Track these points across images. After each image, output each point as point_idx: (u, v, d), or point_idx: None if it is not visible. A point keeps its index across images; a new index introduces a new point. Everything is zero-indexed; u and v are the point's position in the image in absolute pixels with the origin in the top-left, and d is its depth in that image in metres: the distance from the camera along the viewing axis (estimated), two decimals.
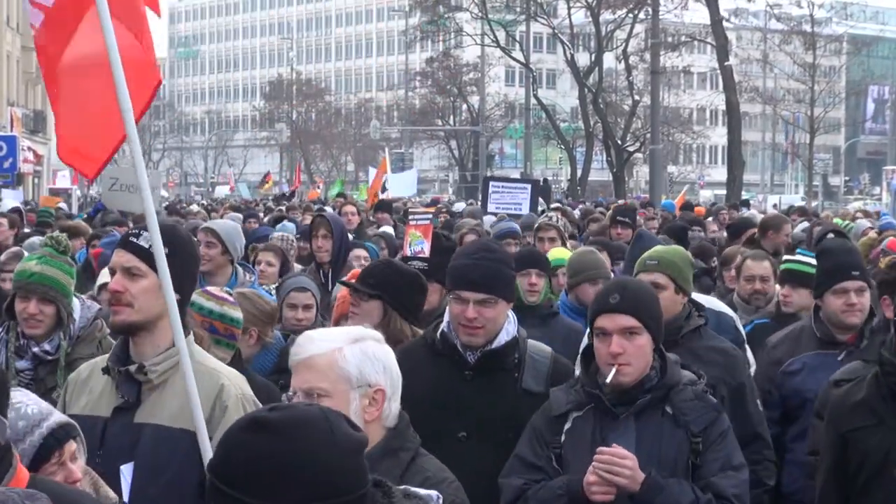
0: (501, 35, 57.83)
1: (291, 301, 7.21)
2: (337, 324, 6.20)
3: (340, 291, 6.53)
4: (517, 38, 60.50)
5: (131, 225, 14.96)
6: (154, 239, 4.20)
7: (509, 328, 4.98)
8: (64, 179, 46.82)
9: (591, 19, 56.36)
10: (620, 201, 35.20)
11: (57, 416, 3.60)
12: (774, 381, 6.30)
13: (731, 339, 6.29)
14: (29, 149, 50.54)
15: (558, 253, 8.84)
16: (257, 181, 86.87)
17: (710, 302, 6.74)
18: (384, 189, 26.09)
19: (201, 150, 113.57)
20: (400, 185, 29.41)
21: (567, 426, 4.55)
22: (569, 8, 57.04)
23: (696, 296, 6.40)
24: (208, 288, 5.89)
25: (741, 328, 6.90)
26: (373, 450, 3.29)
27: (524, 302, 7.08)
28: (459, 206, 28.72)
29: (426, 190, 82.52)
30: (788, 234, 11.52)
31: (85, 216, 19.58)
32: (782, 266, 7.70)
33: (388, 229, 14.66)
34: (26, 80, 60.59)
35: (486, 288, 4.84)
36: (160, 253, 4.18)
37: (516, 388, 4.95)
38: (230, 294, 5.71)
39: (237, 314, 5.61)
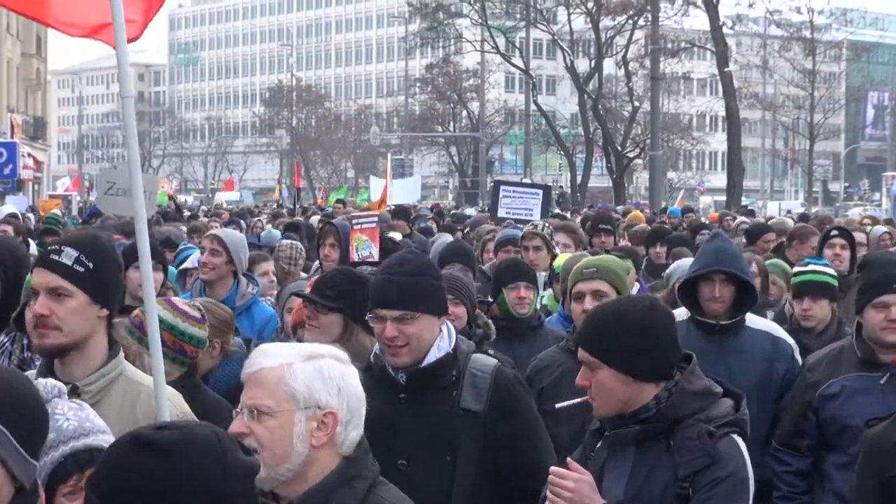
0: (501, 41, 57.90)
1: (290, 305, 6.94)
2: (294, 333, 6.00)
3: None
4: (517, 44, 60.54)
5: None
6: (142, 248, 4.14)
7: (442, 343, 4.59)
8: (65, 185, 46.88)
9: (590, 25, 56.42)
10: (619, 207, 35.20)
11: (90, 440, 3.41)
12: (811, 405, 5.79)
13: (785, 369, 5.96)
14: (29, 155, 50.57)
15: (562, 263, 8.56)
16: (257, 188, 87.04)
17: (767, 325, 6.27)
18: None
19: (201, 157, 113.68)
20: (403, 192, 29.30)
21: (598, 444, 4.25)
22: (569, 14, 57.09)
23: (753, 318, 6.10)
24: (173, 298, 5.60)
25: (798, 358, 6.23)
26: (326, 479, 3.20)
27: (514, 314, 7.02)
28: (471, 211, 27.69)
29: (426, 196, 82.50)
30: (815, 247, 11.06)
31: (79, 221, 19.47)
32: (795, 279, 7.29)
33: (397, 235, 14.17)
34: (26, 87, 60.62)
35: (401, 304, 4.49)
36: (147, 261, 4.18)
37: (454, 408, 4.58)
38: (200, 310, 5.33)
39: (193, 330, 5.21)
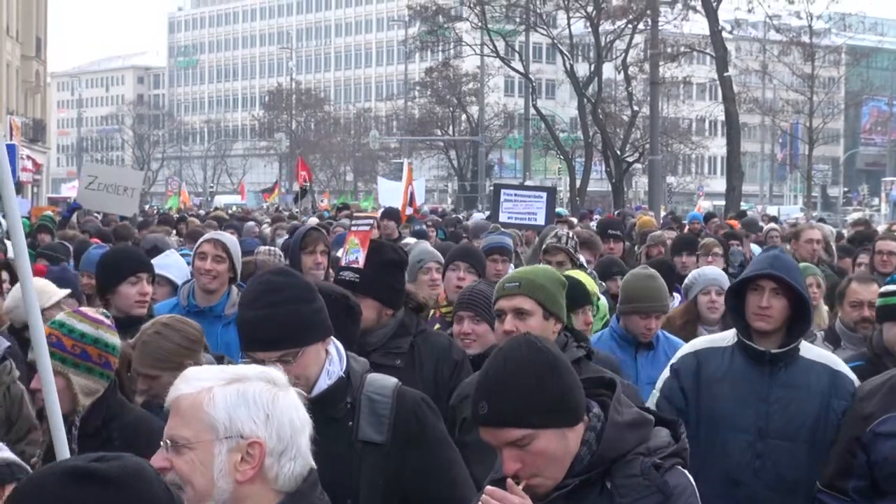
0: (501, 45, 57.88)
1: None
2: None
3: None
4: (517, 48, 60.55)
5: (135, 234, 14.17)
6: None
7: (331, 368, 3.99)
8: (71, 190, 46.82)
9: (590, 30, 56.41)
10: (616, 211, 35.20)
11: (5, 454, 3.36)
12: (862, 441, 4.89)
13: (844, 409, 5.03)
14: (28, 157, 50.55)
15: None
16: (256, 191, 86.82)
17: (824, 356, 5.30)
18: (412, 202, 24.46)
19: (200, 160, 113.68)
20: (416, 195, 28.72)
21: None
22: (568, 18, 57.07)
23: (808, 346, 5.26)
24: (82, 308, 5.17)
25: None
26: None
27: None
28: (478, 216, 26.59)
29: (427, 200, 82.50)
30: (811, 240, 10.87)
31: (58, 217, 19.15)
32: (883, 301, 6.26)
33: (411, 240, 13.22)
34: (26, 89, 60.62)
35: (279, 344, 3.85)
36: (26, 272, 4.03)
37: (351, 441, 4.00)
38: (107, 317, 4.90)
39: (114, 340, 4.79)
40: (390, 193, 26.29)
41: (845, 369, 5.23)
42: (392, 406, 4.07)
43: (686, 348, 5.44)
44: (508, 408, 3.25)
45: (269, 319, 3.83)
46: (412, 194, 24.23)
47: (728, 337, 5.28)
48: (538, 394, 3.25)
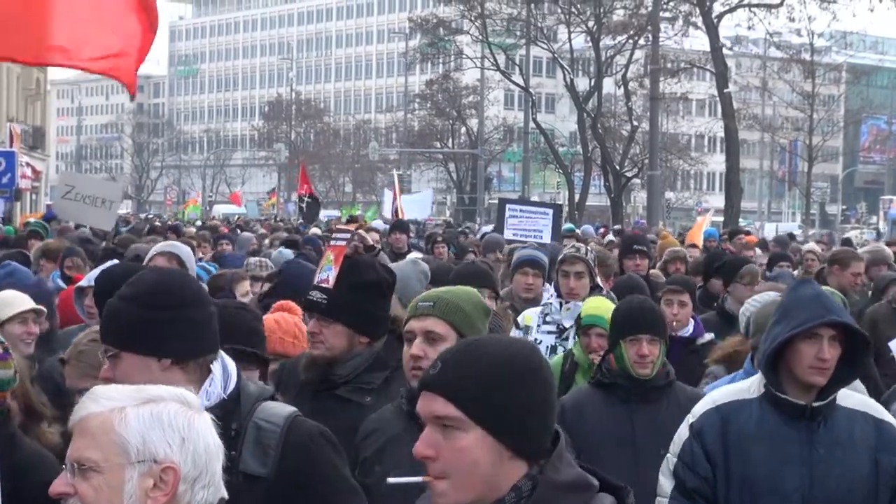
0: (501, 58, 57.94)
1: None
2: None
3: None
4: (517, 61, 60.60)
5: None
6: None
7: (212, 389, 3.56)
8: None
9: (591, 44, 56.46)
10: (616, 226, 35.13)
11: None
12: None
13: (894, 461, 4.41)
14: (27, 164, 50.52)
15: (596, 307, 6.76)
16: (254, 201, 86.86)
17: (864, 403, 4.65)
18: (396, 214, 24.49)
19: (199, 169, 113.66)
20: (414, 207, 28.81)
21: None
22: (569, 33, 57.15)
23: (846, 393, 4.56)
24: None
25: None
26: None
27: (634, 375, 5.60)
28: (487, 228, 26.45)
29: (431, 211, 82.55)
30: (859, 274, 10.06)
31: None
32: None
33: (417, 254, 12.94)
34: (26, 97, 60.62)
35: (105, 336, 3.58)
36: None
37: (231, 473, 3.36)
38: (2, 345, 4.35)
39: (5, 373, 4.22)
40: (391, 204, 26.39)
41: (889, 418, 4.60)
42: (281, 436, 3.59)
43: (705, 403, 4.68)
44: (457, 379, 2.71)
45: (115, 309, 3.57)
46: (398, 206, 24.44)
47: (751, 386, 4.60)
48: (499, 388, 2.69)
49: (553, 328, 7.68)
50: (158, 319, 3.50)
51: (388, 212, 27.65)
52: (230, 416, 3.51)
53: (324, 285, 4.84)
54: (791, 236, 26.78)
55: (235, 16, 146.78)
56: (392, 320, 4.88)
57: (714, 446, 4.51)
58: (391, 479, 2.95)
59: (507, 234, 14.71)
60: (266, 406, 3.64)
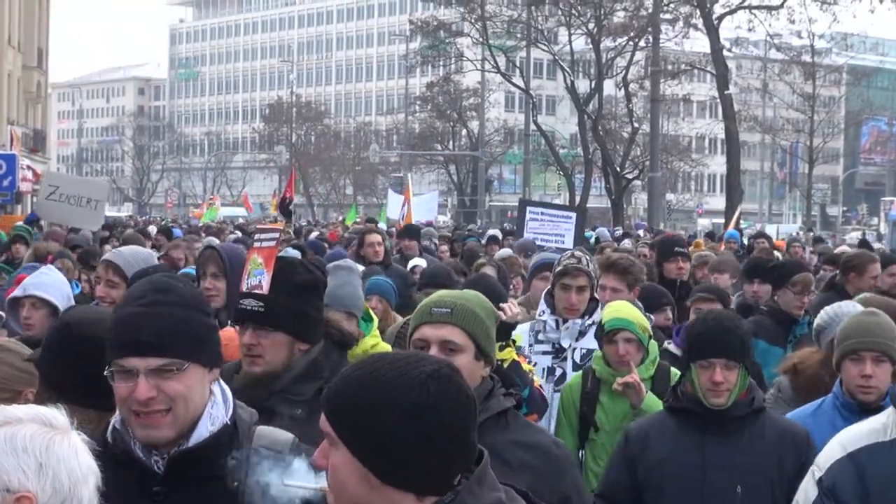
0: (502, 60, 57.94)
1: None
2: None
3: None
4: (517, 63, 60.61)
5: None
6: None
7: (215, 412, 3.21)
8: None
9: (591, 46, 56.47)
10: (617, 230, 35.08)
11: None
12: None
13: None
14: (28, 168, 50.51)
15: (618, 309, 6.28)
16: (256, 203, 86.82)
17: None
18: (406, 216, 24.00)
19: (200, 172, 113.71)
20: (420, 209, 28.54)
21: None
22: (569, 35, 57.15)
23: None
24: None
25: None
26: None
27: (707, 405, 4.94)
28: (493, 231, 26.08)
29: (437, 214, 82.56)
30: (876, 276, 9.40)
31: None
32: None
33: (420, 261, 12.61)
34: (27, 99, 60.62)
35: (161, 348, 3.10)
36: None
37: None
38: None
39: None
40: (400, 207, 26.26)
41: None
42: None
43: (833, 450, 3.99)
44: (337, 396, 2.56)
45: (154, 317, 3.12)
46: (408, 210, 24.15)
47: (888, 427, 3.95)
48: (370, 412, 2.49)
49: (548, 348, 6.81)
50: (210, 328, 3.27)
51: (394, 213, 27.47)
52: (230, 442, 3.21)
53: (257, 291, 4.31)
54: (819, 239, 25.29)
55: (236, 18, 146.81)
56: (328, 323, 4.47)
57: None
58: (287, 482, 2.89)
59: (527, 238, 13.90)
60: (263, 432, 3.31)
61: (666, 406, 5.12)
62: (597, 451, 6.11)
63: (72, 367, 3.50)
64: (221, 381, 3.29)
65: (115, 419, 3.19)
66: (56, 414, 2.52)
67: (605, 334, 6.09)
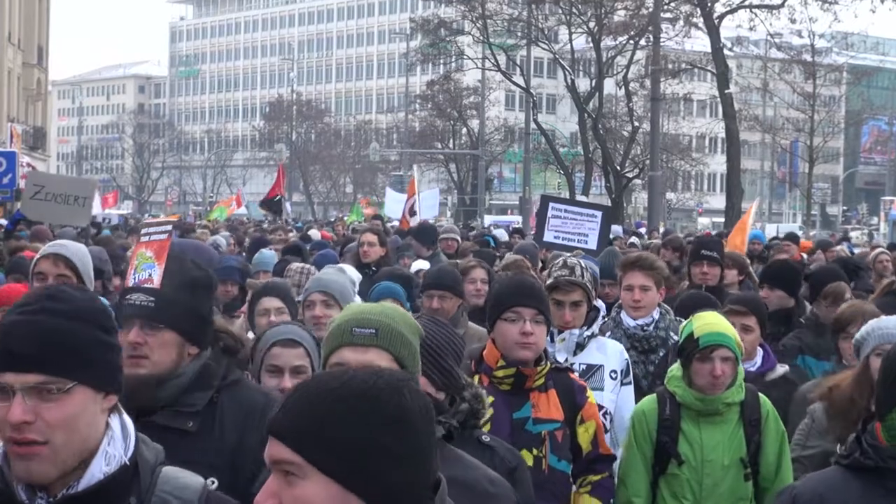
0: (502, 59, 57.94)
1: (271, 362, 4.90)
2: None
3: None
4: (518, 62, 60.59)
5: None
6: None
7: (112, 450, 2.70)
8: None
9: (592, 45, 56.45)
10: (626, 228, 35.00)
11: None
12: None
13: None
14: (28, 165, 50.53)
15: (713, 322, 5.38)
16: (256, 202, 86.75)
17: None
18: (413, 213, 23.31)
19: (200, 170, 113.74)
20: (425, 206, 28.39)
21: None
22: (570, 33, 57.13)
23: None
24: None
25: None
26: None
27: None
28: (500, 232, 24.38)
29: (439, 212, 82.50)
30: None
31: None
32: None
33: (423, 264, 11.95)
34: (27, 97, 60.63)
35: (42, 363, 2.61)
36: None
37: None
38: None
39: None
40: (398, 205, 26.19)
41: None
42: None
43: None
44: (318, 429, 2.22)
45: (36, 326, 2.63)
46: (412, 207, 23.94)
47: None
48: (376, 436, 2.23)
49: None
50: (109, 346, 2.75)
51: (395, 212, 27.35)
52: (128, 486, 2.70)
53: (147, 285, 3.91)
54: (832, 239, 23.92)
55: (236, 16, 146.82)
56: (215, 328, 4.09)
57: None
58: None
59: (548, 237, 12.69)
60: (168, 475, 2.78)
61: (846, 463, 3.53)
62: (679, 489, 5.41)
63: None
64: (123, 413, 2.77)
65: None
66: None
67: (700, 350, 5.23)
